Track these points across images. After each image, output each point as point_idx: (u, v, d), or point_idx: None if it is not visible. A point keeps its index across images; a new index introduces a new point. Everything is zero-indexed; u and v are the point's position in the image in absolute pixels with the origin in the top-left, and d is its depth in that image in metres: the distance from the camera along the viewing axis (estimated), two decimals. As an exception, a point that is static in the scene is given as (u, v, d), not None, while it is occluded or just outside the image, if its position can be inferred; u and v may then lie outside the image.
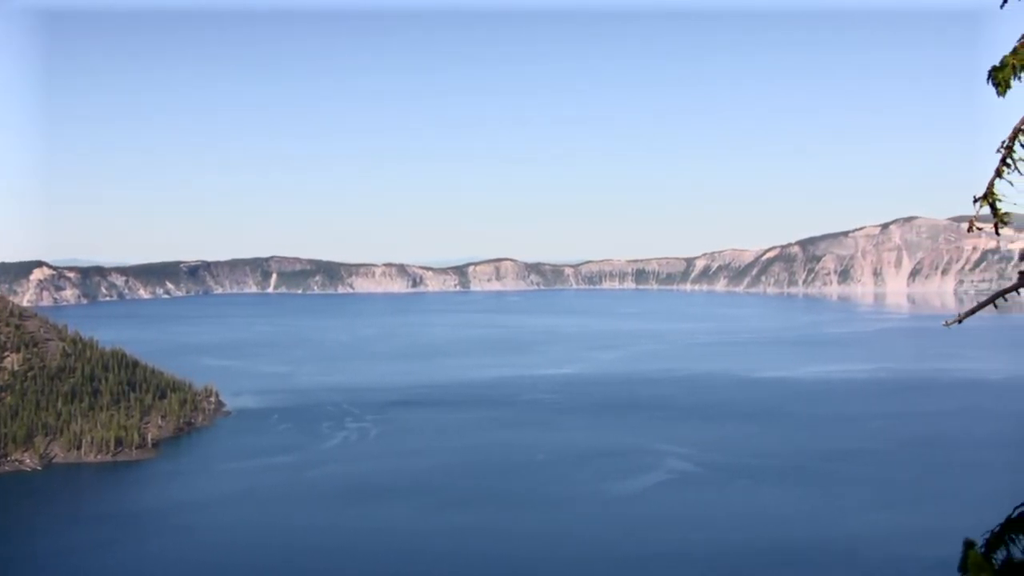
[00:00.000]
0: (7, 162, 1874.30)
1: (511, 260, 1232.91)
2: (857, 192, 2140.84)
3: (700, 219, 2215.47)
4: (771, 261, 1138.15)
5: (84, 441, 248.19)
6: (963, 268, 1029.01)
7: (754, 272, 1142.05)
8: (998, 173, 17.10)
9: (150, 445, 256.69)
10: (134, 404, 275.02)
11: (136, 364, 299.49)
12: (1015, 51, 16.97)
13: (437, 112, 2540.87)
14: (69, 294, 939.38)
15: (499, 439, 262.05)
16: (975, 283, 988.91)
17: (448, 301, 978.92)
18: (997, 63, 17.12)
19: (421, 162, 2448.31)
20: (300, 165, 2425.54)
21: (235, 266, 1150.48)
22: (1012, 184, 17.00)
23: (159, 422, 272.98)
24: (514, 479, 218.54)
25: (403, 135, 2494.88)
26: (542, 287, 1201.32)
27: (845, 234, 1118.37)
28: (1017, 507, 16.14)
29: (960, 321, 18.22)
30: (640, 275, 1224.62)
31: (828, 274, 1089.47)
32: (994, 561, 15.64)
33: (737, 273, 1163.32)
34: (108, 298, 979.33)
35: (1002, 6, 17.36)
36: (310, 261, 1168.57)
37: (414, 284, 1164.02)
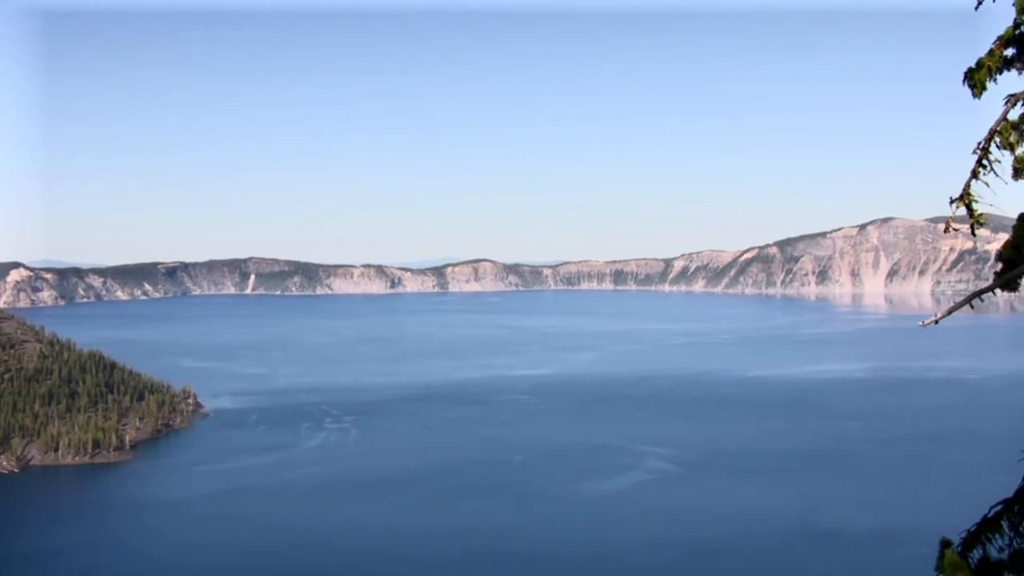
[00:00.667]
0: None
1: (489, 261, 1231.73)
2: (835, 193, 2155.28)
3: (678, 220, 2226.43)
4: (749, 262, 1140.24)
5: (61, 443, 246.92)
6: (940, 269, 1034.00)
7: (732, 273, 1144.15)
8: (974, 174, 17.17)
9: (128, 447, 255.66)
10: (112, 406, 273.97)
11: (114, 366, 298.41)
12: (990, 53, 17.05)
13: (415, 114, 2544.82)
14: (46, 295, 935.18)
15: (477, 439, 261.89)
16: (952, 284, 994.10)
17: (426, 302, 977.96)
18: (973, 65, 17.20)
19: (399, 163, 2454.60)
20: (278, 166, 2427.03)
21: (213, 267, 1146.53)
22: (988, 185, 17.08)
23: (137, 424, 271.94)
24: (492, 478, 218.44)
25: (381, 136, 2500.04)
26: (520, 288, 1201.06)
27: (823, 235, 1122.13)
28: (993, 506, 16.23)
29: (937, 322, 18.30)
30: (618, 276, 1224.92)
31: (806, 275, 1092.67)
32: (970, 560, 15.71)
33: (715, 274, 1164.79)
34: (86, 299, 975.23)
35: (976, 8, 17.44)
36: (288, 262, 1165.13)
37: (392, 285, 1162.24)
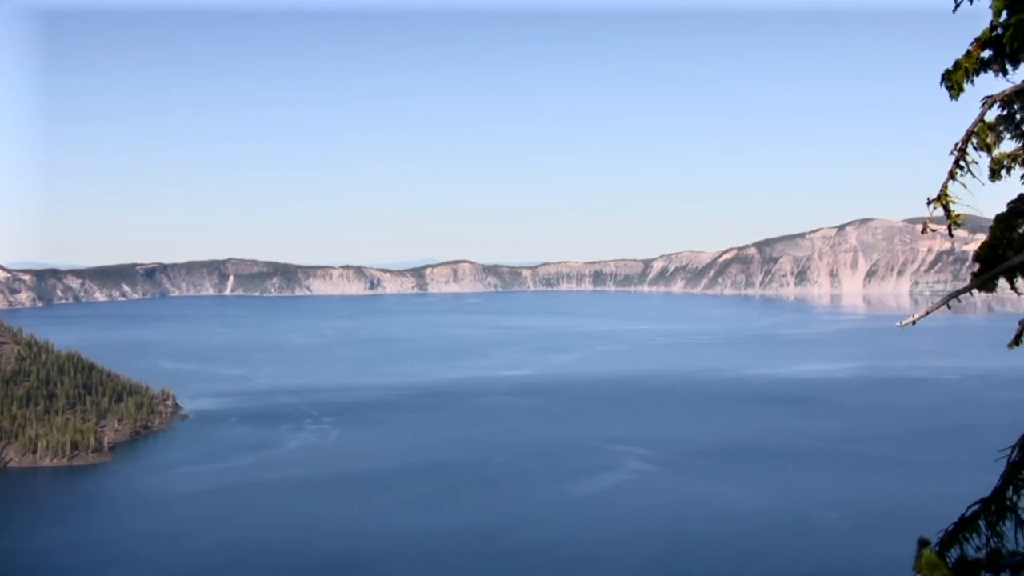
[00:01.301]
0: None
1: (469, 262, 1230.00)
2: (813, 194, 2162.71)
3: (657, 221, 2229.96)
4: (728, 263, 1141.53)
5: (39, 445, 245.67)
6: (918, 269, 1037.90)
7: (711, 274, 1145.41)
8: (951, 175, 17.26)
9: (106, 449, 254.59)
10: (90, 408, 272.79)
11: (92, 367, 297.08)
12: (968, 54, 17.13)
13: (393, 114, 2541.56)
14: (24, 297, 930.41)
15: (458, 440, 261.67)
16: (930, 284, 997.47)
17: (406, 303, 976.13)
18: (950, 66, 17.28)
19: (377, 164, 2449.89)
20: (256, 167, 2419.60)
21: (192, 268, 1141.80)
22: (965, 186, 17.17)
23: (115, 426, 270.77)
24: (474, 478, 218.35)
25: (360, 137, 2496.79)
26: (500, 289, 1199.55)
27: (802, 236, 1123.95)
28: (971, 506, 16.31)
29: (914, 322, 18.38)
30: (598, 277, 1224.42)
31: (785, 275, 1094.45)
32: (948, 560, 15.78)
33: (694, 275, 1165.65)
34: (64, 301, 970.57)
35: (954, 10, 17.52)
36: (267, 263, 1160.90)
37: (371, 286, 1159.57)
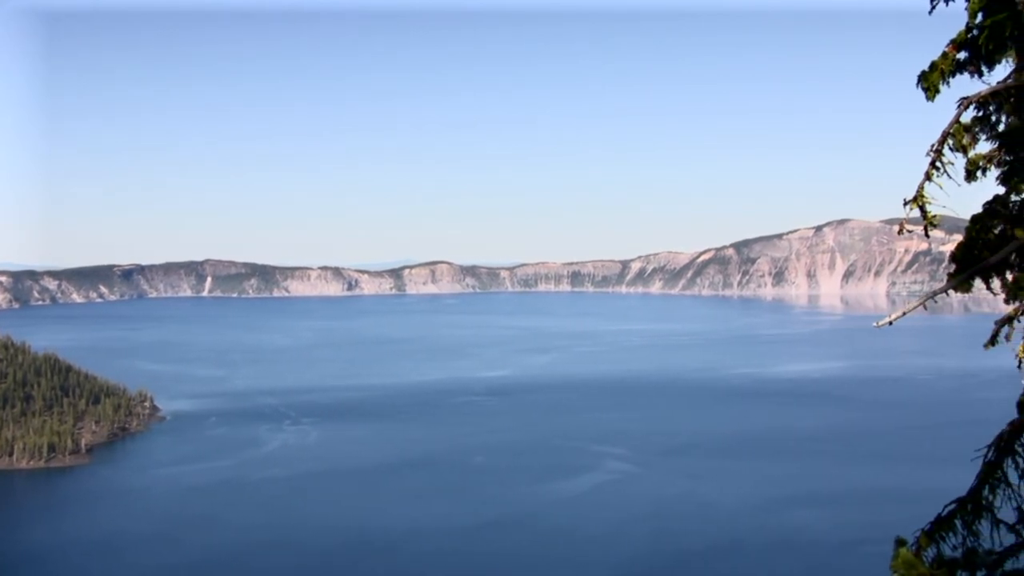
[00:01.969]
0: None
1: (447, 263, 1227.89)
2: (791, 195, 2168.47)
3: (635, 222, 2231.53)
4: (706, 263, 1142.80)
5: (16, 447, 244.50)
6: (895, 270, 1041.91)
7: (689, 274, 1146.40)
8: (928, 176, 17.32)
9: (84, 451, 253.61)
10: (67, 409, 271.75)
11: (69, 369, 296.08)
12: (944, 56, 17.20)
13: (371, 115, 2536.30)
14: (0, 298, 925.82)
15: (438, 440, 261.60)
16: (907, 285, 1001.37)
17: (384, 304, 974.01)
18: (926, 68, 17.35)
19: (354, 164, 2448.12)
20: (234, 168, 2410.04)
21: (169, 269, 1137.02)
22: (941, 187, 17.23)
23: (93, 427, 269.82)
24: (454, 479, 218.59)
25: (337, 138, 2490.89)
26: (478, 290, 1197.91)
27: (779, 236, 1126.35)
28: (947, 505, 16.38)
29: (891, 323, 18.43)
30: (576, 278, 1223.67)
31: (762, 276, 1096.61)
32: (924, 559, 15.85)
33: (672, 275, 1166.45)
34: (41, 302, 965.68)
35: (930, 12, 17.60)
36: (245, 264, 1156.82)
37: (349, 287, 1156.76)
